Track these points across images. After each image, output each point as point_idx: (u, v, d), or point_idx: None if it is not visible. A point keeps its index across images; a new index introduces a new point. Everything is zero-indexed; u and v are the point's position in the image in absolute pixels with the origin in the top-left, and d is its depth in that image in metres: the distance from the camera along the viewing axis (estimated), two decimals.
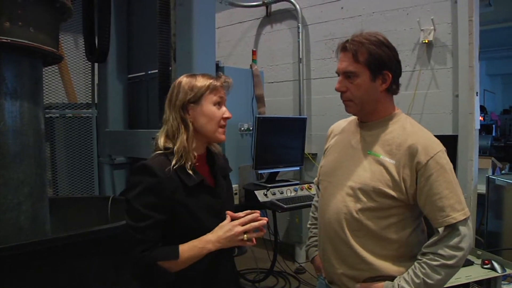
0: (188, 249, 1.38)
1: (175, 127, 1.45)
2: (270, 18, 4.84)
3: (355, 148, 1.52)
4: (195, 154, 1.46)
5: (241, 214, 1.46)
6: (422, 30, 3.70)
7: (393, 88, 1.47)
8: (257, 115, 3.48)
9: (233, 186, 3.28)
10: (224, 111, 1.50)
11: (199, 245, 1.38)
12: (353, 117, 1.63)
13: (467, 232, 1.36)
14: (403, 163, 1.40)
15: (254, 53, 4.01)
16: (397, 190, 1.40)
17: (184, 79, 1.49)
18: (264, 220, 1.43)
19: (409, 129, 1.45)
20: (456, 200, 1.36)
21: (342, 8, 4.27)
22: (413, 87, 3.83)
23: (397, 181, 1.39)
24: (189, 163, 1.42)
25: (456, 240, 1.35)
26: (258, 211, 1.45)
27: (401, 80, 4.25)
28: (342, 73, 1.46)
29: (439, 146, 1.40)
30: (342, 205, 1.48)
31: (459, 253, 1.34)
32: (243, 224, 1.40)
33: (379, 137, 1.47)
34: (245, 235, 1.40)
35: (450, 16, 3.60)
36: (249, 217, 1.42)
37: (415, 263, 1.40)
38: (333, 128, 1.75)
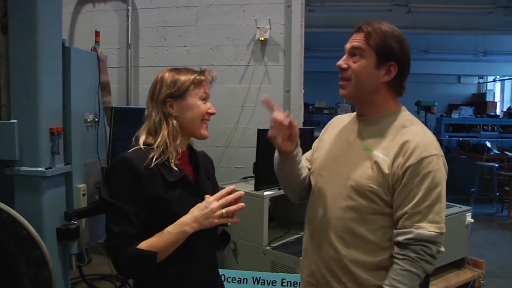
0: (163, 240, 1.29)
1: (157, 122, 1.40)
2: None
3: (351, 143, 1.45)
4: (179, 150, 1.42)
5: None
6: (258, 27, 3.91)
7: (397, 85, 1.41)
8: (115, 106, 3.09)
9: (80, 186, 2.81)
10: (209, 106, 1.45)
11: (175, 230, 1.30)
12: (355, 113, 1.55)
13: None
14: (394, 159, 1.33)
15: (97, 34, 3.48)
16: (385, 188, 1.33)
17: (166, 74, 1.43)
18: (241, 192, 1.34)
19: (408, 126, 1.39)
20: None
21: None
22: (248, 81, 3.99)
23: (386, 179, 1.33)
24: (172, 159, 1.38)
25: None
26: (234, 186, 1.35)
27: (235, 73, 4.36)
28: (348, 50, 1.40)
29: (435, 150, 1.33)
30: (332, 203, 1.41)
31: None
32: (219, 200, 1.32)
33: (375, 133, 1.41)
34: (224, 210, 1.31)
35: (284, 18, 3.92)
36: (224, 191, 1.33)
37: None
38: (333, 120, 1.65)
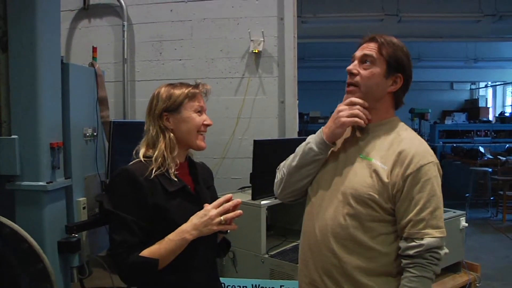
0: (164, 248, 1.35)
1: (155, 136, 1.46)
2: (88, 11, 4.41)
3: (347, 151, 1.48)
4: (177, 161, 1.47)
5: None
6: (252, 40, 3.98)
7: (399, 97, 1.48)
8: (114, 120, 3.17)
9: (80, 199, 2.86)
10: (205, 118, 1.51)
11: (176, 238, 1.36)
12: None
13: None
14: (392, 168, 1.37)
15: (94, 50, 3.55)
16: (385, 196, 1.37)
17: (162, 89, 1.50)
18: (238, 200, 1.41)
19: (404, 135, 1.44)
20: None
21: (171, 10, 4.20)
22: (243, 93, 4.06)
23: (386, 187, 1.37)
24: (171, 170, 1.44)
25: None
26: (231, 194, 1.42)
27: (230, 85, 4.39)
28: (359, 57, 1.44)
29: (431, 157, 1.39)
30: (331, 211, 1.43)
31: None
32: (217, 208, 1.39)
33: (372, 141, 1.45)
34: (222, 217, 1.37)
35: (277, 30, 3.99)
36: (221, 199, 1.39)
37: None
38: None
